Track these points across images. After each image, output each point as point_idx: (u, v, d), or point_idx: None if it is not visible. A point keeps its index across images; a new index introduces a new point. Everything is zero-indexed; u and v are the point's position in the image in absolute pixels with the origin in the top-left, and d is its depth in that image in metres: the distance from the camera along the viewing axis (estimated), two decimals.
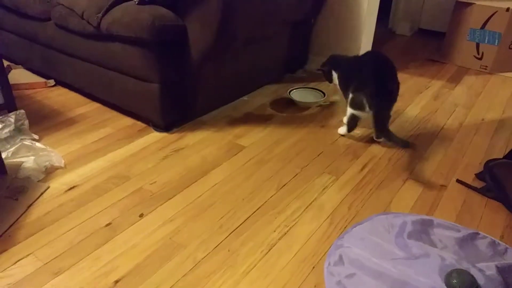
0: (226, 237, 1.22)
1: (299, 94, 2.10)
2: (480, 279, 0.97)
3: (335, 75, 1.86)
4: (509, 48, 2.47)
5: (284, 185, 1.46)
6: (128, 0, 1.66)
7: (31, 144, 1.57)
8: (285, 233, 1.24)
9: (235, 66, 1.94)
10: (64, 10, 1.81)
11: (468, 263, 1.02)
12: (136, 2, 1.61)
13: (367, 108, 1.63)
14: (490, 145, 1.74)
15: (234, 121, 1.88)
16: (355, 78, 1.69)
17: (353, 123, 1.73)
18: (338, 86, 1.86)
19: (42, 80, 2.19)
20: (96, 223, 1.26)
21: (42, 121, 1.83)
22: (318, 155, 1.64)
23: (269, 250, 1.18)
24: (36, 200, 1.35)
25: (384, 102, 1.64)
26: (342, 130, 1.80)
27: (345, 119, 1.86)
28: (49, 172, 1.49)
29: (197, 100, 1.81)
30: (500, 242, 1.13)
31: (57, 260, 1.12)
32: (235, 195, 1.40)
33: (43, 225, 1.25)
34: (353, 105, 1.68)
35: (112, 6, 1.64)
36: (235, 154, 1.63)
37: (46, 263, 1.11)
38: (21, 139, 1.60)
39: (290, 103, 2.06)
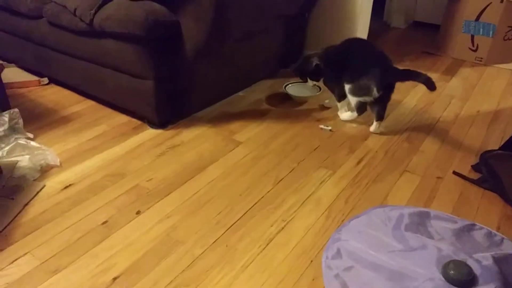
0: (223, 233, 1.22)
1: (294, 89, 2.09)
2: (477, 270, 0.97)
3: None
4: (504, 39, 2.47)
5: (281, 180, 1.46)
6: None
7: (25, 143, 1.56)
8: (283, 228, 1.24)
9: (230, 62, 1.93)
10: (56, 7, 1.80)
11: (465, 254, 1.02)
12: None
13: (375, 92, 1.62)
14: (485, 137, 1.74)
15: (230, 117, 1.87)
16: (346, 67, 1.70)
17: (362, 107, 1.75)
18: (323, 82, 1.90)
19: (35, 78, 2.17)
20: (93, 221, 1.25)
21: (37, 120, 1.81)
22: (315, 150, 1.64)
23: (267, 245, 1.18)
24: (32, 199, 1.34)
25: (391, 81, 1.66)
26: (347, 115, 1.81)
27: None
28: (45, 170, 1.48)
29: (192, 96, 1.81)
30: (496, 232, 1.14)
31: (54, 259, 1.12)
32: (232, 191, 1.40)
33: (39, 224, 1.24)
34: (358, 93, 1.69)
35: (104, 2, 1.63)
36: (232, 150, 1.63)
37: (43, 262, 1.11)
38: (16, 138, 1.59)
39: (286, 98, 2.06)
